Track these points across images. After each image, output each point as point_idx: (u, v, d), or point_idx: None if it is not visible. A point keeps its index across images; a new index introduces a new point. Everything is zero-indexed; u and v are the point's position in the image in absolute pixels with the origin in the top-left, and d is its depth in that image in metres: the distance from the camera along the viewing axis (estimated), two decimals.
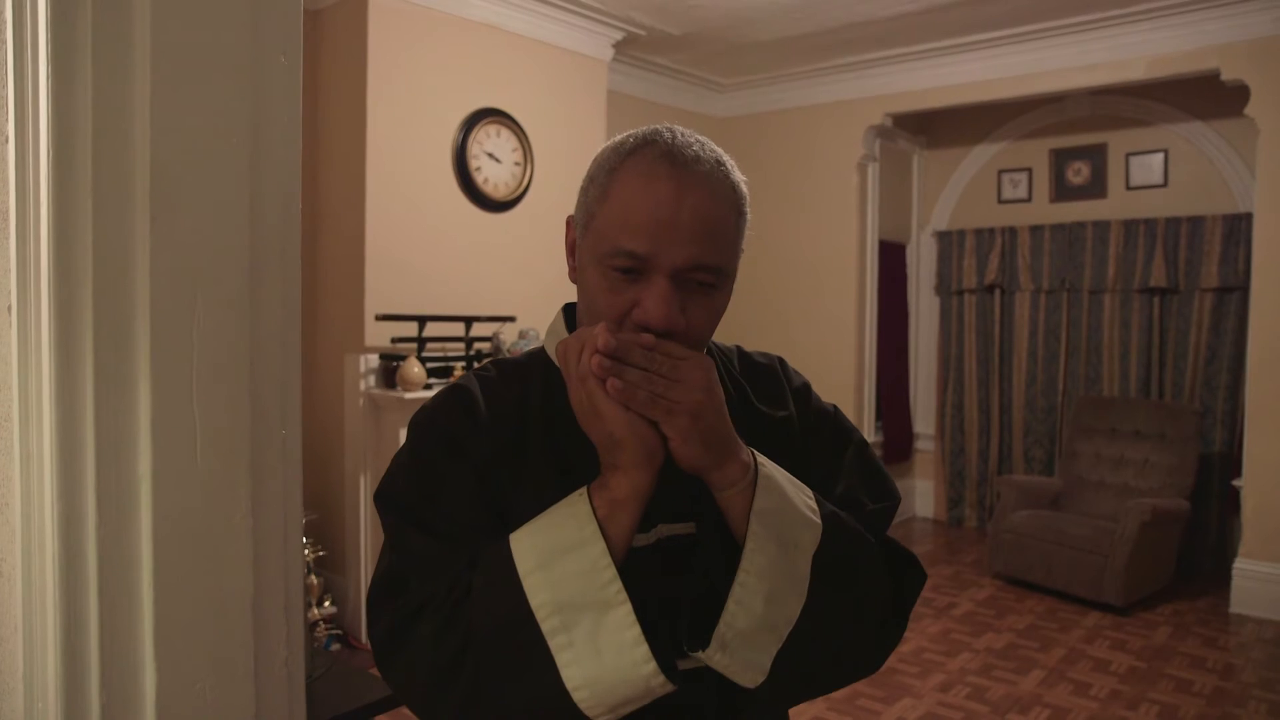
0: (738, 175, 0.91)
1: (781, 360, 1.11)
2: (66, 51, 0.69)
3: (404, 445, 0.96)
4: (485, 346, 4.14)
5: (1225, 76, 4.42)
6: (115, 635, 0.72)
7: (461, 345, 4.07)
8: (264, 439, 0.80)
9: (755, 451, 0.89)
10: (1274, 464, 4.38)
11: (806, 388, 1.09)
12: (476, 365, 0.87)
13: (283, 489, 0.82)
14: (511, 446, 0.93)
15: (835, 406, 1.11)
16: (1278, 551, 4.37)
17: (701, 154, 0.88)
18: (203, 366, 0.75)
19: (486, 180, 4.21)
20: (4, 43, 0.71)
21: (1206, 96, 5.03)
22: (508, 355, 1.04)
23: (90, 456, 0.71)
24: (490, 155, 4.23)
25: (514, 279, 4.36)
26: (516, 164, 4.35)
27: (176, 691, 0.74)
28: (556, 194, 4.50)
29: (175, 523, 0.74)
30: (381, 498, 0.94)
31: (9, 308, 0.73)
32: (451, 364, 3.96)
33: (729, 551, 0.87)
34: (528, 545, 0.83)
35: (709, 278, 0.87)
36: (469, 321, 4.05)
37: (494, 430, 0.92)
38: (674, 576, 0.91)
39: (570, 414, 0.88)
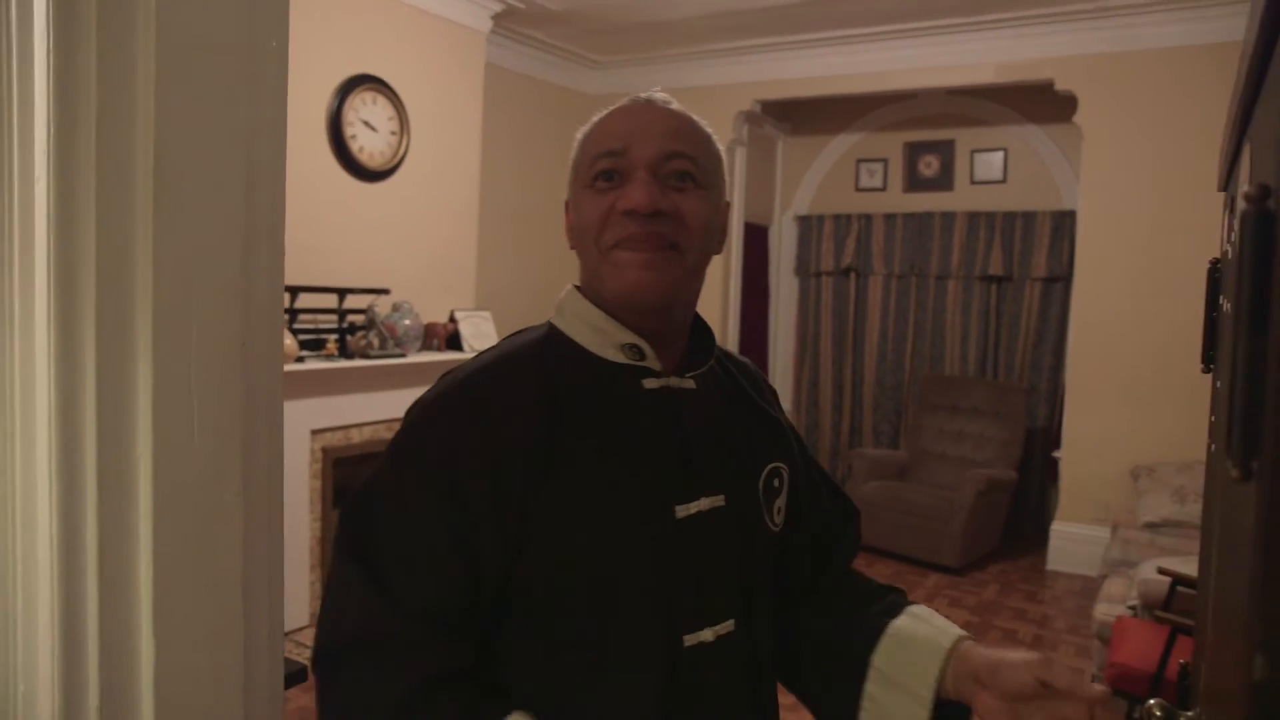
0: (711, 131, 0.94)
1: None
2: (69, 34, 0.68)
3: (389, 468, 0.87)
4: (359, 319, 4.05)
5: (1059, 86, 4.84)
6: (114, 612, 0.73)
7: (335, 317, 3.97)
8: (254, 418, 0.81)
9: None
10: (1088, 438, 4.89)
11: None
12: (477, 353, 0.83)
13: (267, 466, 0.84)
14: (536, 445, 0.85)
15: None
16: (1087, 514, 4.90)
17: (672, 100, 0.93)
18: (200, 347, 0.76)
19: (362, 149, 4.10)
20: (9, 23, 0.69)
21: (1042, 103, 5.49)
22: (514, 335, 1.03)
23: (91, 437, 0.71)
24: (366, 123, 4.11)
25: (389, 251, 4.28)
26: (393, 133, 4.25)
27: (173, 664, 0.76)
28: (432, 164, 4.44)
29: (174, 501, 0.75)
30: (350, 541, 0.86)
31: (10, 288, 0.72)
32: (324, 336, 3.86)
33: (748, 525, 0.94)
34: None
35: (687, 166, 0.88)
36: (342, 293, 3.95)
37: (510, 437, 0.84)
38: (707, 546, 0.92)
39: (594, 393, 0.89)
